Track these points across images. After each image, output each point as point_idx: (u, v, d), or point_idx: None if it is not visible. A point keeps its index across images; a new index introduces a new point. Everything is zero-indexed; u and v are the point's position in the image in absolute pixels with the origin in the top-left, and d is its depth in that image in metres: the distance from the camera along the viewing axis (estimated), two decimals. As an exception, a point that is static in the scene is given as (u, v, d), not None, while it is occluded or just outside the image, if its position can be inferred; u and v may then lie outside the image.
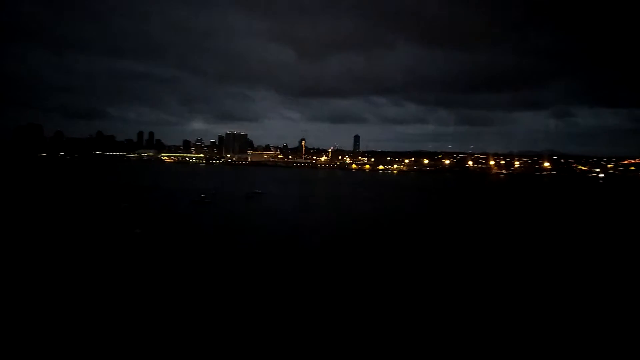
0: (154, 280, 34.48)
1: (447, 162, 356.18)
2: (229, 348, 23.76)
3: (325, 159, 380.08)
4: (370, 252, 47.26)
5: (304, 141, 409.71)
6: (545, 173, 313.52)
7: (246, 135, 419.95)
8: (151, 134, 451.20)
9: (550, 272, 41.48)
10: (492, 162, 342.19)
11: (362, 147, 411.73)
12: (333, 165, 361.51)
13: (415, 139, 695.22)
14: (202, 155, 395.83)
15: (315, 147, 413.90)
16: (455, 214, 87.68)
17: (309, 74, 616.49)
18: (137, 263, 39.42)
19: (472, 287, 35.73)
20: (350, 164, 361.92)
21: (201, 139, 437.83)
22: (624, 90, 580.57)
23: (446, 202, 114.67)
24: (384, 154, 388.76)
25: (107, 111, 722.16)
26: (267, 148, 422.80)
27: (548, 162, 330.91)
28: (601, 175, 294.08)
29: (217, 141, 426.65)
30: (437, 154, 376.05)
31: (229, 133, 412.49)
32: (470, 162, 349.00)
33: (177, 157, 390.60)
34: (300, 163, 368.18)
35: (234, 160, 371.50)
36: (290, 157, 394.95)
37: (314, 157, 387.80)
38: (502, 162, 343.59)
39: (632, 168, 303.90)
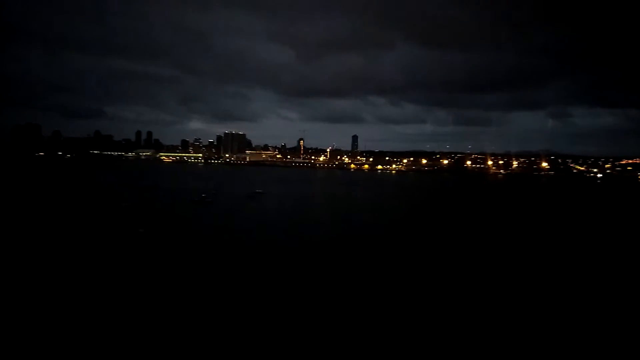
0: (160, 280, 34.49)
1: (445, 162, 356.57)
2: (233, 346, 23.83)
3: (323, 159, 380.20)
4: (370, 252, 47.35)
5: (302, 141, 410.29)
6: (543, 173, 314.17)
7: (244, 135, 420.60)
8: (149, 133, 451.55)
9: (549, 272, 41.68)
10: (490, 162, 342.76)
11: (360, 147, 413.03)
12: (332, 165, 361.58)
13: (413, 139, 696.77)
14: (200, 155, 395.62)
15: (314, 147, 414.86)
16: (455, 214, 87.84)
17: (308, 74, 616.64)
18: (143, 263, 39.42)
19: (471, 286, 35.88)
20: (349, 163, 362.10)
21: (199, 139, 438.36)
22: (620, 91, 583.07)
23: (446, 202, 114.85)
24: (382, 153, 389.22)
25: (105, 111, 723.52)
26: (266, 148, 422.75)
27: (546, 162, 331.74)
28: (599, 175, 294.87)
29: (216, 141, 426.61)
30: (435, 154, 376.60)
31: (228, 133, 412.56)
32: (468, 162, 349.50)
33: (175, 156, 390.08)
34: (299, 163, 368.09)
35: (232, 160, 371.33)
36: (288, 156, 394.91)
37: (313, 157, 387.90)
38: (500, 162, 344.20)
39: (630, 168, 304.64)
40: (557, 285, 37.24)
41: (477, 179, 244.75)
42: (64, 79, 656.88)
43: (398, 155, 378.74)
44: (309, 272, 38.58)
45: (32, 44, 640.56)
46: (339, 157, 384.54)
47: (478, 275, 39.23)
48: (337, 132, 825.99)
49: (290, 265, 40.29)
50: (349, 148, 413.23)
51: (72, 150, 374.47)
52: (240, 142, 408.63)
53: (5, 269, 36.02)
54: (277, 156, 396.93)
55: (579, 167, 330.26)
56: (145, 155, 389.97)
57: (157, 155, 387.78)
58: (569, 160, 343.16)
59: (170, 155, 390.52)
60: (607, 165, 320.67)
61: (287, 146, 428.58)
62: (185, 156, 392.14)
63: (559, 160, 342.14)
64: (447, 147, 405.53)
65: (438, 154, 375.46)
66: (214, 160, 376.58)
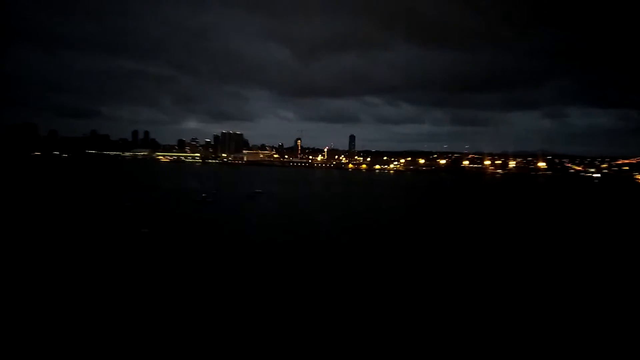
0: (167, 280, 34.36)
1: (443, 162, 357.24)
2: (238, 345, 23.76)
3: (321, 159, 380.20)
4: (370, 252, 47.37)
5: (299, 140, 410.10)
6: (540, 173, 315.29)
7: (242, 134, 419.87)
8: (146, 133, 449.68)
9: (548, 271, 41.80)
10: (487, 162, 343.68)
11: (358, 147, 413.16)
12: (329, 165, 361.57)
13: (410, 139, 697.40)
14: (197, 154, 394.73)
15: (311, 147, 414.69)
16: (453, 213, 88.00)
17: (305, 74, 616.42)
18: (149, 263, 39.27)
19: (470, 286, 35.94)
20: (347, 163, 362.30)
21: (196, 139, 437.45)
22: (616, 91, 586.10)
23: (444, 202, 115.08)
24: (379, 153, 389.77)
25: (102, 110, 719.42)
26: (263, 147, 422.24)
27: (543, 162, 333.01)
28: (596, 175, 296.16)
29: (213, 140, 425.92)
30: (432, 153, 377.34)
31: (225, 132, 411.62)
32: (465, 162, 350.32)
33: (172, 156, 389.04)
34: (297, 163, 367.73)
35: (230, 160, 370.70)
36: (286, 156, 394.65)
37: (310, 157, 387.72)
38: (498, 162, 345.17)
39: (626, 168, 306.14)
40: (556, 284, 37.36)
41: (474, 179, 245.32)
42: (59, 78, 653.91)
43: (395, 155, 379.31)
44: (310, 271, 38.56)
45: (27, 44, 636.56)
46: (336, 157, 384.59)
47: (476, 275, 39.31)
48: (335, 132, 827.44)
49: (292, 265, 40.26)
50: (346, 148, 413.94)
51: (68, 150, 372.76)
52: (237, 142, 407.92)
53: (13, 269, 35.81)
54: (275, 156, 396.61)
55: (575, 167, 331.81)
56: (142, 155, 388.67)
57: (154, 155, 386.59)
58: (566, 160, 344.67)
59: (167, 155, 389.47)
60: (603, 165, 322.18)
61: (285, 146, 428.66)
62: (182, 156, 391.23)
63: (556, 160, 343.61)
64: (445, 147, 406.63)
65: (435, 153, 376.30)
66: (212, 160, 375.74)
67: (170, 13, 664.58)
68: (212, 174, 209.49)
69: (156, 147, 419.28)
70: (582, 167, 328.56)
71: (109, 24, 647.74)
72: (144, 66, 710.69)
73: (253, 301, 30.53)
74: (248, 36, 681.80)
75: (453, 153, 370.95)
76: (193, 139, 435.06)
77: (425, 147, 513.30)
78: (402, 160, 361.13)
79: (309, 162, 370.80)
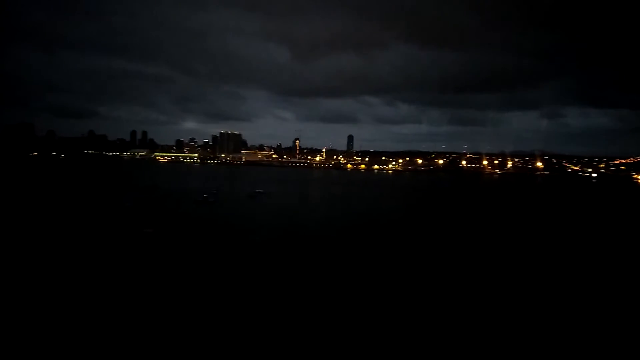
0: (173, 279, 34.43)
1: (441, 162, 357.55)
2: (240, 341, 23.87)
3: (320, 159, 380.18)
4: (371, 252, 47.56)
5: (298, 141, 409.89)
6: (538, 173, 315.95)
7: (240, 135, 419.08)
8: (144, 133, 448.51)
9: (547, 270, 42.03)
10: (485, 162, 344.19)
11: (356, 147, 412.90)
12: (328, 165, 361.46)
13: (408, 139, 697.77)
14: (196, 155, 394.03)
15: (309, 147, 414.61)
16: (452, 213, 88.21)
17: (303, 74, 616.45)
18: (155, 263, 39.33)
19: (469, 286, 36.16)
20: (345, 163, 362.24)
21: (194, 139, 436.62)
22: (613, 91, 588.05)
23: (442, 202, 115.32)
24: (378, 153, 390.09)
25: (99, 110, 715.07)
26: (261, 148, 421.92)
27: (540, 161, 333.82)
28: (594, 175, 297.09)
29: (211, 141, 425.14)
30: (430, 153, 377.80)
31: (223, 133, 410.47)
32: (463, 162, 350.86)
33: (171, 156, 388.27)
34: (295, 163, 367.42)
35: (228, 160, 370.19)
36: (284, 156, 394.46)
37: (309, 157, 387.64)
38: (496, 161, 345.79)
39: (623, 168, 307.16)
40: (555, 283, 37.61)
41: (472, 179, 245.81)
42: (57, 78, 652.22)
43: (393, 155, 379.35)
44: (311, 271, 38.68)
45: (25, 44, 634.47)
46: (334, 157, 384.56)
47: (475, 274, 39.52)
48: (333, 132, 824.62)
49: (294, 265, 40.39)
50: (344, 148, 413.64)
51: (66, 150, 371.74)
52: (235, 142, 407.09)
53: (20, 270, 35.81)
54: (273, 156, 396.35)
55: (573, 167, 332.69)
56: (140, 155, 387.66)
57: (153, 155, 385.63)
58: (563, 160, 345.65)
59: (166, 155, 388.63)
60: (600, 165, 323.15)
61: (283, 146, 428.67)
62: (180, 156, 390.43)
63: (554, 160, 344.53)
64: (443, 147, 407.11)
65: (433, 153, 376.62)
66: (210, 160, 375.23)
67: (169, 13, 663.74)
68: (211, 174, 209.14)
69: (154, 147, 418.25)
70: (580, 167, 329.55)
71: (107, 24, 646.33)
72: (142, 66, 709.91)
73: (257, 301, 30.66)
74: (246, 36, 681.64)
75: (451, 153, 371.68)
76: (191, 139, 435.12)
77: (423, 147, 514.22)
78: (401, 161, 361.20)
79: (307, 162, 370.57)
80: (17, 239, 46.65)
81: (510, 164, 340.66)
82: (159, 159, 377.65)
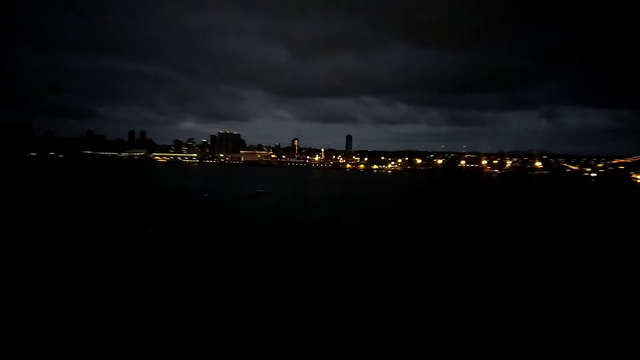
0: (177, 279, 34.19)
1: (440, 161, 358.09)
2: (242, 340, 23.65)
3: (319, 159, 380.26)
4: (370, 252, 47.40)
5: (296, 141, 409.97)
6: (537, 172, 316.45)
7: (239, 135, 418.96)
8: (142, 133, 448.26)
9: (547, 270, 41.90)
10: (484, 162, 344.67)
11: (355, 147, 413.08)
12: (327, 164, 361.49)
13: (407, 139, 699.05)
14: (194, 155, 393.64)
15: (308, 147, 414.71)
16: (451, 213, 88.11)
17: (301, 74, 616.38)
18: (158, 263, 39.08)
19: (469, 286, 36.01)
20: (345, 163, 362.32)
21: (192, 139, 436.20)
22: (611, 91, 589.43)
23: (442, 202, 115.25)
24: (376, 153, 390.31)
25: (98, 110, 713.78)
26: (260, 148, 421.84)
27: (539, 161, 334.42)
28: (593, 174, 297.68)
29: (210, 141, 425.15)
30: (429, 153, 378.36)
31: (222, 133, 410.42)
32: (462, 162, 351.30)
33: (169, 156, 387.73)
34: (294, 163, 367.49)
35: (227, 160, 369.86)
36: (283, 156, 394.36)
37: (307, 157, 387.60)
38: (495, 161, 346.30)
39: (622, 167, 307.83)
40: (554, 282, 37.48)
41: (471, 179, 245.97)
42: (55, 78, 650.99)
43: (392, 155, 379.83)
44: (312, 271, 38.51)
45: (23, 44, 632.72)
46: (333, 157, 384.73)
47: (475, 274, 39.37)
48: (331, 132, 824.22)
49: (294, 265, 40.21)
50: (343, 148, 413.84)
51: (64, 151, 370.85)
52: (234, 142, 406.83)
53: (24, 270, 35.52)
54: (272, 156, 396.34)
55: (572, 167, 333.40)
56: (138, 155, 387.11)
57: (151, 155, 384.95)
58: (562, 160, 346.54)
59: (164, 155, 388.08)
60: (599, 165, 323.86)
61: (281, 146, 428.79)
62: (179, 156, 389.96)
63: (552, 160, 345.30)
64: (442, 147, 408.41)
65: (432, 153, 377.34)
66: (209, 160, 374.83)
67: (168, 13, 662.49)
68: (210, 174, 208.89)
69: (153, 147, 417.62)
70: (578, 167, 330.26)
71: (106, 24, 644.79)
72: (141, 66, 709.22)
73: (258, 300, 30.45)
74: (245, 36, 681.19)
75: (450, 153, 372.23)
76: (190, 139, 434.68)
77: (422, 147, 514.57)
78: (400, 160, 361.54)
79: (306, 162, 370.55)
80: (18, 240, 46.32)
81: (509, 163, 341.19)
82: (158, 159, 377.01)
